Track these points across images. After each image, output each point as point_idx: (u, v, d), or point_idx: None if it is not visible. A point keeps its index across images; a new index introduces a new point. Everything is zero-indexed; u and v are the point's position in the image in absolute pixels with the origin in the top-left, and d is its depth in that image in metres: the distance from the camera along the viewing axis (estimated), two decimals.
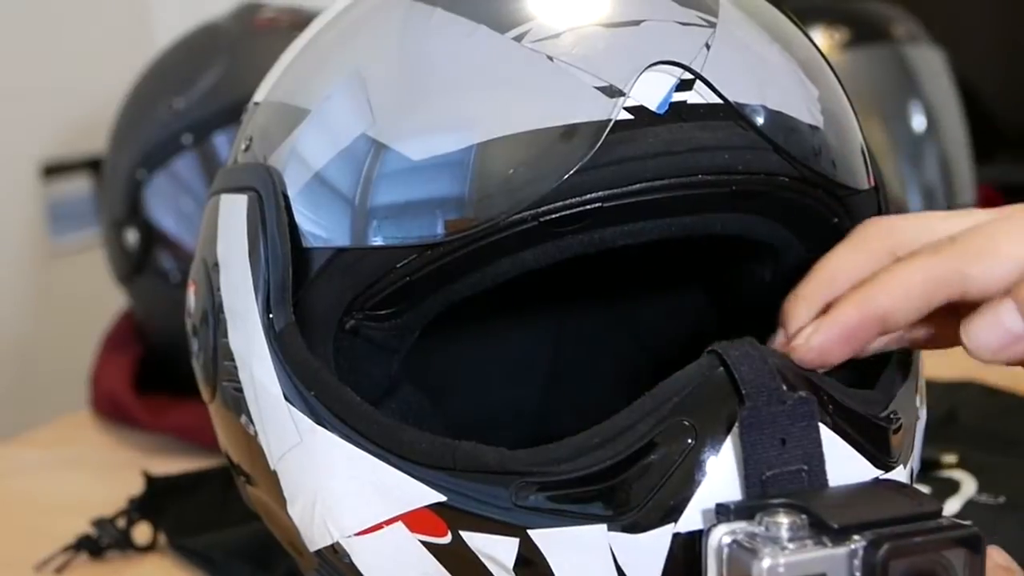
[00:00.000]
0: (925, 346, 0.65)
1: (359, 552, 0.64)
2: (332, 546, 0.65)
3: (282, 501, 0.68)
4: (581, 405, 0.66)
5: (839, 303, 0.60)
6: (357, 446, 0.62)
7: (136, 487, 1.07)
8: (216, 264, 0.71)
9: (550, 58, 0.63)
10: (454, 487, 0.60)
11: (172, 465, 1.16)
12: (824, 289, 0.61)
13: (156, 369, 1.42)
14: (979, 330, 0.58)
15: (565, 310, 0.92)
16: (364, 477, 0.62)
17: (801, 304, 0.62)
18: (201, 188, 1.35)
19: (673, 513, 0.56)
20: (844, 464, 0.58)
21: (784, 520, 0.53)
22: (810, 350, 0.59)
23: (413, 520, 0.61)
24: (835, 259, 0.63)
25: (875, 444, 0.60)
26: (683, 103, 0.63)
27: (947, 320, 0.61)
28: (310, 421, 0.64)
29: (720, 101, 0.63)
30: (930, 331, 0.63)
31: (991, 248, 0.59)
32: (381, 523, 0.62)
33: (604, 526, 0.57)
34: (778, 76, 0.66)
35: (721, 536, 0.54)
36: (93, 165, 2.13)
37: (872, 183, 0.70)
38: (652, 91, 0.62)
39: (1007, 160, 2.03)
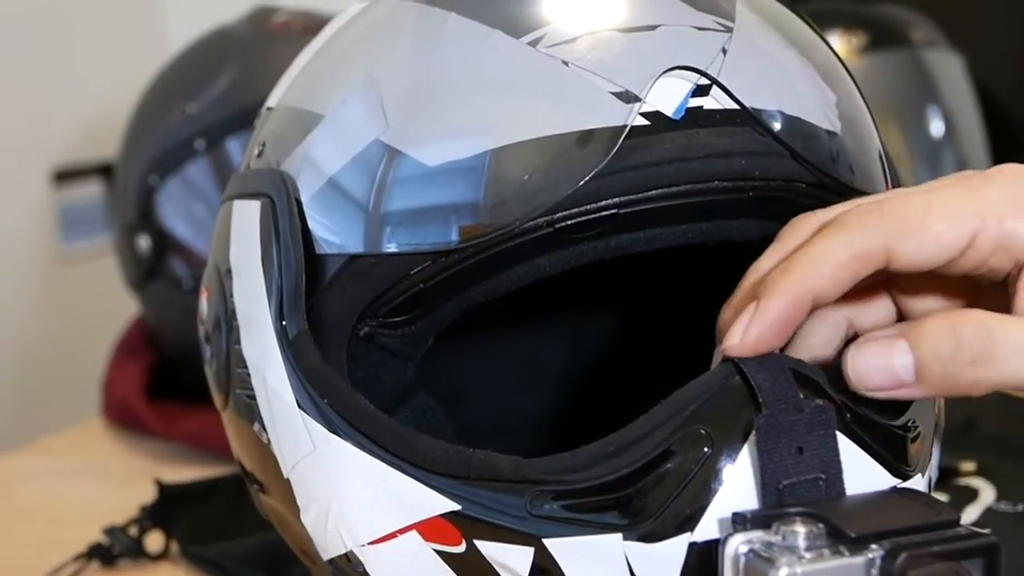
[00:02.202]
0: None
1: (373, 561, 0.63)
2: (346, 555, 0.64)
3: (295, 509, 0.67)
4: (595, 412, 0.65)
5: (767, 290, 0.58)
6: (371, 454, 0.62)
7: (148, 495, 1.07)
8: (229, 270, 0.71)
9: (565, 63, 0.63)
10: (469, 496, 0.59)
11: (184, 473, 1.16)
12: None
13: (168, 376, 1.42)
14: (866, 366, 0.58)
15: (580, 316, 0.92)
16: (378, 485, 0.62)
17: (734, 315, 0.60)
18: (214, 194, 1.35)
19: (689, 522, 0.56)
20: (862, 473, 0.58)
21: (801, 529, 0.53)
22: (746, 348, 0.58)
23: (427, 529, 0.61)
24: (764, 264, 0.62)
25: (893, 452, 0.59)
26: (699, 108, 0.62)
27: None
28: (324, 429, 0.63)
29: (737, 107, 0.63)
30: None
31: (920, 224, 0.58)
32: (395, 532, 0.62)
33: (620, 535, 0.57)
34: (795, 81, 0.66)
35: (738, 545, 0.54)
36: (105, 171, 2.13)
37: (890, 188, 0.69)
38: (668, 96, 0.62)
39: None
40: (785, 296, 0.58)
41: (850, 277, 0.58)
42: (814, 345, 0.62)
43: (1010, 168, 0.60)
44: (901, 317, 0.63)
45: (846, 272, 0.58)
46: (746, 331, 0.58)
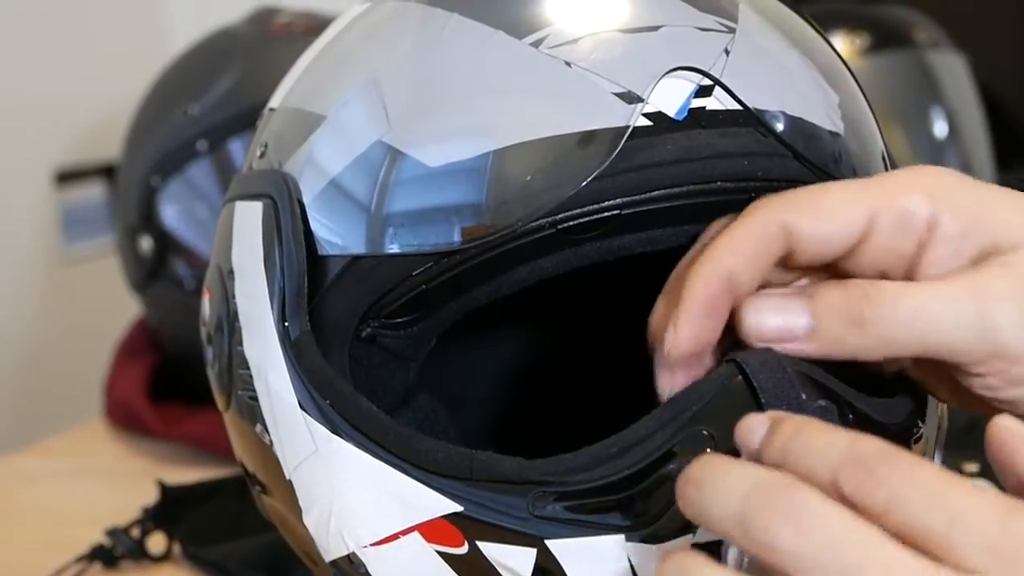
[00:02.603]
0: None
1: (375, 562, 0.63)
2: (348, 556, 0.64)
3: (297, 511, 0.67)
4: (598, 414, 0.65)
5: (686, 281, 0.58)
6: (373, 456, 0.62)
7: (150, 496, 1.07)
8: (231, 271, 0.71)
9: (568, 64, 0.62)
10: (471, 497, 0.59)
11: (187, 474, 1.16)
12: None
13: (170, 377, 1.41)
14: (761, 317, 0.58)
15: (582, 317, 0.92)
16: (380, 487, 0.61)
17: (664, 318, 0.61)
18: (216, 195, 1.35)
19: (691, 524, 0.56)
20: None
21: None
22: (683, 344, 0.58)
23: (429, 530, 0.60)
24: (680, 266, 0.63)
25: None
26: (702, 109, 0.62)
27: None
28: (326, 430, 0.63)
29: (739, 107, 0.63)
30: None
31: (816, 201, 0.58)
32: (397, 533, 0.62)
33: (622, 536, 0.57)
34: (798, 82, 0.66)
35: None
36: (107, 171, 2.13)
37: None
38: (671, 97, 0.62)
39: None
40: (698, 279, 0.58)
41: (757, 252, 0.58)
42: None
43: (922, 166, 0.61)
44: None
45: (748, 246, 0.58)
46: (676, 330, 0.58)
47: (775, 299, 0.58)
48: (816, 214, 0.58)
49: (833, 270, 0.60)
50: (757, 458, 0.52)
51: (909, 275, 0.59)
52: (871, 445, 0.48)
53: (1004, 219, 0.58)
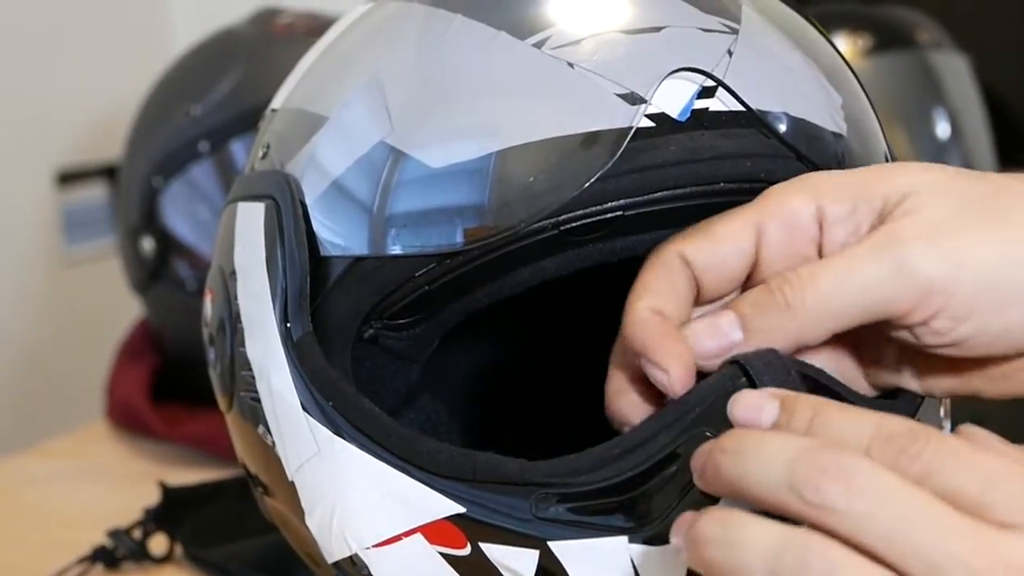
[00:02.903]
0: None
1: (378, 564, 0.63)
2: (351, 558, 0.64)
3: (300, 512, 0.67)
4: (601, 415, 0.65)
5: (625, 337, 0.60)
6: (376, 457, 0.62)
7: (152, 498, 1.07)
8: (233, 272, 0.71)
9: (571, 65, 0.62)
10: (474, 498, 0.59)
11: (188, 475, 1.16)
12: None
13: (172, 378, 1.41)
14: (698, 337, 0.58)
15: (585, 318, 0.92)
16: (383, 488, 0.61)
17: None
18: (218, 195, 1.34)
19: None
20: None
21: None
22: (679, 379, 0.57)
23: (432, 532, 0.60)
24: None
25: None
26: (705, 110, 0.62)
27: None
28: (328, 432, 0.63)
29: (742, 108, 0.63)
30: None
31: (709, 231, 0.60)
32: (400, 535, 0.61)
33: (625, 538, 0.57)
34: (801, 83, 0.66)
35: None
36: (109, 172, 2.13)
37: None
38: (674, 98, 0.62)
39: None
40: (637, 326, 0.59)
41: (667, 288, 0.59)
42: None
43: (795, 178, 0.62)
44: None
45: (658, 284, 0.59)
46: (668, 371, 0.57)
47: (705, 322, 0.59)
48: (705, 239, 0.59)
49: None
50: None
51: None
52: (900, 424, 0.50)
53: (886, 179, 0.59)
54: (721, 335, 0.58)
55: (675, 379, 0.57)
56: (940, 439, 0.49)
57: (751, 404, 0.53)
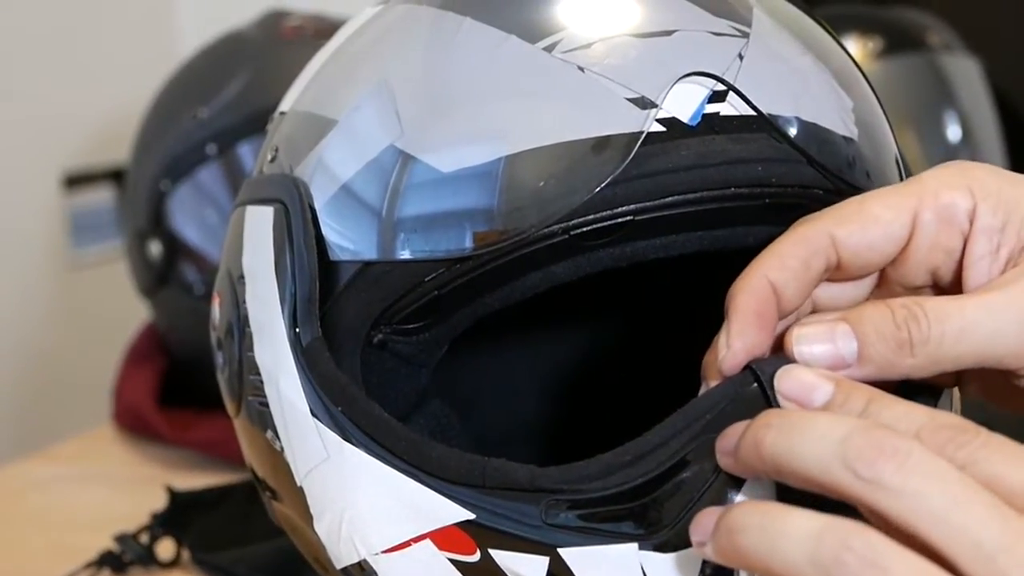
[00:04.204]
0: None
1: (387, 570, 0.63)
2: (359, 563, 0.64)
3: (308, 517, 0.67)
4: (611, 421, 0.65)
5: (730, 296, 0.59)
6: (385, 463, 0.61)
7: (159, 502, 1.07)
8: (242, 276, 0.71)
9: (581, 69, 0.62)
10: (483, 505, 0.59)
11: (196, 480, 1.16)
12: None
13: (180, 383, 1.41)
14: (810, 346, 0.57)
15: (594, 323, 0.92)
16: (392, 494, 0.61)
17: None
18: (226, 199, 1.34)
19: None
20: None
21: None
22: (737, 361, 0.58)
23: (441, 538, 0.60)
24: None
25: None
26: (716, 115, 0.62)
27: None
28: (337, 437, 0.63)
29: (753, 113, 0.62)
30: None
31: (858, 209, 0.59)
32: (409, 541, 0.61)
33: (635, 545, 0.57)
34: (812, 87, 0.66)
35: None
36: (116, 176, 2.13)
37: None
38: (684, 103, 0.62)
39: None
40: (741, 293, 0.58)
41: (800, 264, 0.58)
42: None
43: (954, 162, 0.61)
44: None
45: (793, 258, 0.58)
46: (729, 342, 0.58)
47: (821, 327, 0.58)
48: (860, 221, 0.58)
49: (881, 279, 0.61)
50: None
51: (956, 274, 0.59)
52: (951, 417, 0.51)
53: None
54: (836, 348, 0.57)
55: (731, 356, 0.57)
56: (988, 434, 0.50)
57: (805, 381, 0.54)
